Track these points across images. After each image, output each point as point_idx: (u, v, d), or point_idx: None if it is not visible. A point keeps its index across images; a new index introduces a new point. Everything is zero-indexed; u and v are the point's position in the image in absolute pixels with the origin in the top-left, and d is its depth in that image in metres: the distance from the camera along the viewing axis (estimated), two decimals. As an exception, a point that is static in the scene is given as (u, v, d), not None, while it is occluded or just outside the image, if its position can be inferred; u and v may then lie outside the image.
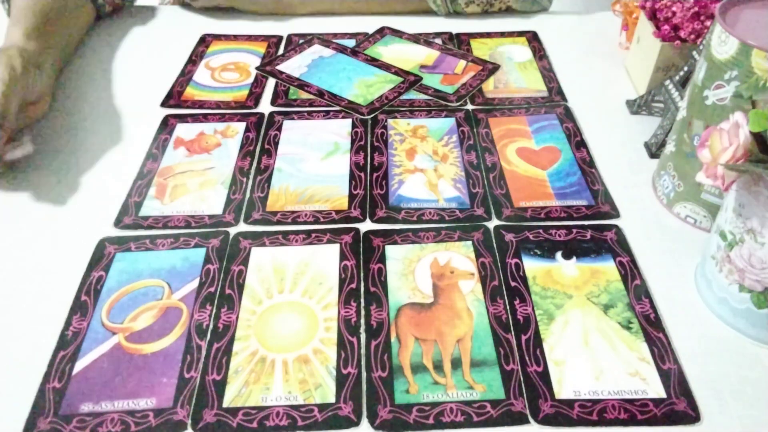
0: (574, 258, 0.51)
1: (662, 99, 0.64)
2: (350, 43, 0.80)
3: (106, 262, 0.51)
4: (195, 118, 0.68)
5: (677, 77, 0.63)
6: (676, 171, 0.54)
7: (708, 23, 0.63)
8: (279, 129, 0.66)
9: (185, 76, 0.75)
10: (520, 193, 0.57)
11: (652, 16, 0.68)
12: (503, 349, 0.45)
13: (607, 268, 0.50)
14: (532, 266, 0.51)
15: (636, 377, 0.43)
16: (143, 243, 0.53)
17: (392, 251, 0.52)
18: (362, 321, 0.47)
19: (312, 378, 0.43)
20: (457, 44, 0.80)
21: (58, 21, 0.72)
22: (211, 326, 0.46)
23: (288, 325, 0.46)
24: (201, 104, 0.70)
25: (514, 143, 0.64)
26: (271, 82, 0.73)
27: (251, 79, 0.74)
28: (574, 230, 0.54)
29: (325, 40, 0.80)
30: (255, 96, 0.71)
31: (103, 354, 0.45)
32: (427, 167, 0.61)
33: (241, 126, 0.66)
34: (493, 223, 0.55)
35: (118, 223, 0.55)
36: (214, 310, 0.47)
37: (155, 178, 0.60)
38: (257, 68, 0.75)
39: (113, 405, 0.42)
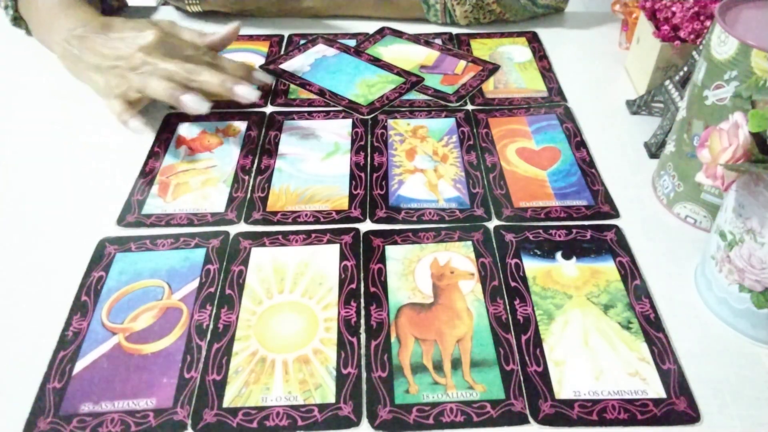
0: (574, 258, 0.51)
1: (662, 99, 0.64)
2: (350, 43, 0.80)
3: (107, 262, 0.51)
4: (196, 117, 0.68)
5: (677, 77, 0.62)
6: (676, 171, 0.54)
7: (708, 23, 0.63)
8: (279, 129, 0.66)
9: (185, 76, 0.75)
10: (520, 194, 0.57)
11: (652, 16, 0.68)
12: (503, 349, 0.45)
13: (607, 268, 0.50)
14: (532, 266, 0.51)
15: (636, 377, 0.43)
16: (143, 243, 0.53)
17: (392, 251, 0.52)
18: (362, 321, 0.47)
19: (312, 378, 0.43)
20: (457, 44, 0.80)
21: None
22: (211, 326, 0.46)
23: (288, 326, 0.46)
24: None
25: (514, 143, 0.64)
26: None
27: (252, 80, 0.74)
28: (574, 230, 0.54)
29: (329, 39, 0.80)
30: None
31: (103, 354, 0.45)
32: (427, 167, 0.61)
33: (242, 125, 0.66)
34: (493, 224, 0.55)
35: (121, 221, 0.55)
36: (214, 311, 0.47)
37: (157, 176, 0.60)
38: (260, 67, 0.75)
39: (113, 405, 0.42)
